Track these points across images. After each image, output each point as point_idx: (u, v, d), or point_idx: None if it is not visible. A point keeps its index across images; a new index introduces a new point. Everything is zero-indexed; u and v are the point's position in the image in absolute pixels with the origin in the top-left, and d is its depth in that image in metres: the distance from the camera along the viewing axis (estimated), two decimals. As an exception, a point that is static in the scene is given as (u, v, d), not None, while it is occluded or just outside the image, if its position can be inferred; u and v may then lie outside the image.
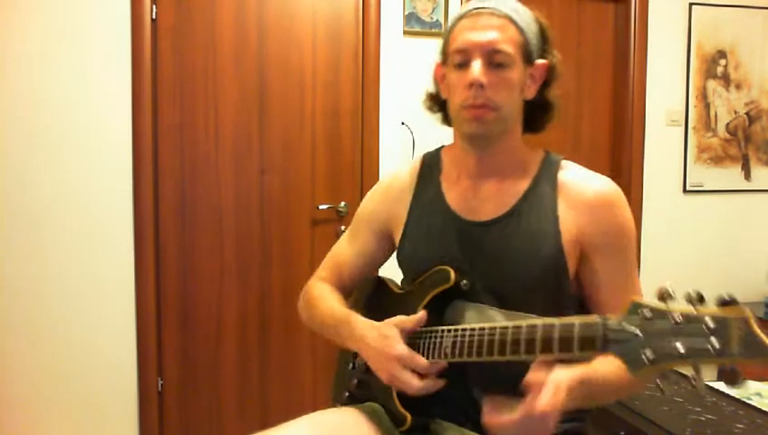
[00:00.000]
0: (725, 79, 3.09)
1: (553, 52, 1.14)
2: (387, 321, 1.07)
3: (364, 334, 1.09)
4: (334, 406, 1.24)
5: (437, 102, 1.21)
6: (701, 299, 0.75)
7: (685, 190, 3.06)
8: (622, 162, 2.97)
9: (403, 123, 2.63)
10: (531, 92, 1.12)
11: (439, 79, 1.18)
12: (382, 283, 1.31)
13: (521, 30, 1.07)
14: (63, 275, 2.31)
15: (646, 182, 2.99)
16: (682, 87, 3.03)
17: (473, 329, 0.98)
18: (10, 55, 2.22)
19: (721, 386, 1.88)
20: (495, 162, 1.13)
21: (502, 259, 1.08)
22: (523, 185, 1.12)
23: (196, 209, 2.47)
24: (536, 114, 1.15)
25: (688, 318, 0.74)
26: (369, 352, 1.07)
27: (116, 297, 2.36)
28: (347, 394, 1.26)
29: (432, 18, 2.65)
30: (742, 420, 1.57)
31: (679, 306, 0.75)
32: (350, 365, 1.26)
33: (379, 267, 1.33)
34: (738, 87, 3.11)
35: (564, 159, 1.16)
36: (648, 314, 0.76)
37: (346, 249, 1.31)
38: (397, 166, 1.33)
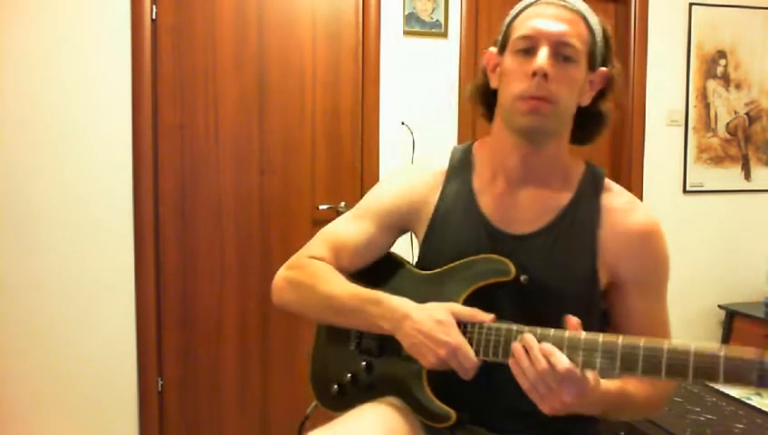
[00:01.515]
0: (725, 79, 3.09)
1: (614, 61, 1.08)
2: (439, 305, 1.01)
3: (409, 314, 1.01)
4: (322, 404, 1.19)
5: (483, 93, 1.14)
6: None
7: (685, 190, 3.06)
8: (622, 162, 2.97)
9: (403, 123, 2.63)
10: (587, 99, 1.06)
11: (491, 68, 1.10)
12: (396, 261, 1.22)
13: (591, 30, 1.04)
14: (63, 275, 2.31)
15: (646, 182, 2.99)
16: (682, 87, 3.03)
17: (578, 336, 0.90)
18: (10, 55, 2.22)
19: (721, 386, 1.88)
20: (540, 165, 1.07)
21: (534, 277, 1.03)
22: (564, 198, 1.07)
23: (196, 209, 2.47)
24: (586, 124, 1.09)
25: None
26: (413, 335, 0.99)
27: (116, 297, 2.36)
28: (336, 387, 1.17)
29: (432, 18, 2.65)
30: (742, 420, 1.57)
31: None
32: (354, 348, 1.17)
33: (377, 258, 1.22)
34: (738, 87, 3.11)
35: (606, 174, 1.11)
36: None
37: (351, 234, 1.19)
38: (425, 159, 1.25)
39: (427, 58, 2.64)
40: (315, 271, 1.16)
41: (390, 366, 1.11)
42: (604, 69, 1.07)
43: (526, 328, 0.94)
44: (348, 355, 1.18)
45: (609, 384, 0.92)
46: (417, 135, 2.61)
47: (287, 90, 2.53)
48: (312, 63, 2.54)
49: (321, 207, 2.56)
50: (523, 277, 1.02)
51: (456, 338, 0.96)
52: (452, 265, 1.08)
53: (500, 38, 1.09)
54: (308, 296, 1.15)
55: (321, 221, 2.58)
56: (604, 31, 1.07)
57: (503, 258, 1.03)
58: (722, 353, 0.79)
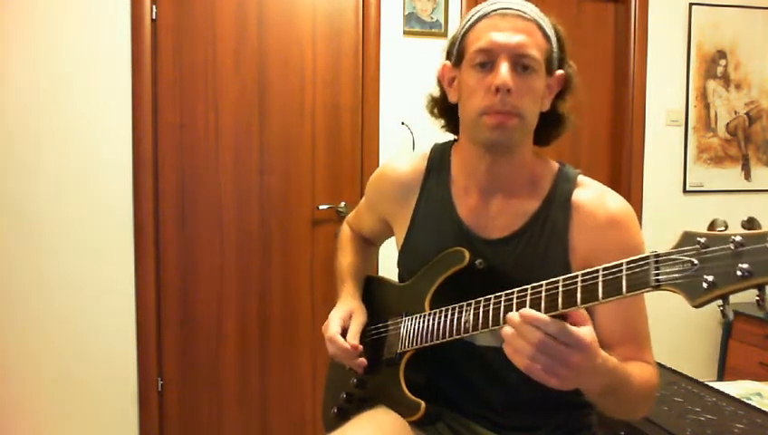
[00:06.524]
0: (725, 79, 3.09)
1: (570, 62, 1.08)
2: (338, 307, 1.21)
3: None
4: (327, 430, 1.21)
5: (442, 107, 1.14)
6: (751, 221, 0.70)
7: (685, 190, 3.06)
8: (622, 162, 2.97)
9: (403, 123, 2.63)
10: (547, 104, 1.06)
11: (447, 82, 1.10)
12: (378, 279, 1.31)
13: (547, 37, 1.03)
14: (64, 275, 2.31)
15: (646, 182, 2.99)
16: (682, 87, 3.03)
17: (497, 297, 0.92)
18: (10, 56, 2.22)
19: (721, 386, 1.88)
20: (505, 175, 1.07)
21: (506, 281, 1.02)
22: (533, 204, 1.06)
23: (197, 209, 2.47)
24: (545, 127, 1.08)
25: (747, 238, 0.68)
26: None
27: (116, 297, 2.36)
28: (335, 410, 1.23)
29: (432, 18, 2.65)
30: (742, 420, 1.57)
31: (735, 230, 0.70)
32: (349, 368, 1.22)
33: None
34: (738, 87, 3.11)
35: (581, 173, 1.09)
36: (703, 240, 0.71)
37: (363, 215, 1.36)
38: (404, 156, 1.26)
39: (427, 58, 2.64)
40: (342, 236, 1.42)
41: (377, 375, 1.16)
42: (560, 72, 1.06)
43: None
44: (344, 376, 1.23)
45: (605, 353, 0.86)
46: (417, 135, 2.61)
47: (287, 90, 2.52)
48: (312, 63, 2.54)
49: (321, 207, 2.56)
50: (478, 262, 1.05)
51: (329, 332, 1.15)
52: (425, 268, 1.12)
53: (454, 50, 1.07)
54: (336, 261, 1.39)
55: (321, 221, 2.58)
56: (558, 33, 1.06)
57: (459, 248, 1.07)
58: (624, 261, 0.76)
